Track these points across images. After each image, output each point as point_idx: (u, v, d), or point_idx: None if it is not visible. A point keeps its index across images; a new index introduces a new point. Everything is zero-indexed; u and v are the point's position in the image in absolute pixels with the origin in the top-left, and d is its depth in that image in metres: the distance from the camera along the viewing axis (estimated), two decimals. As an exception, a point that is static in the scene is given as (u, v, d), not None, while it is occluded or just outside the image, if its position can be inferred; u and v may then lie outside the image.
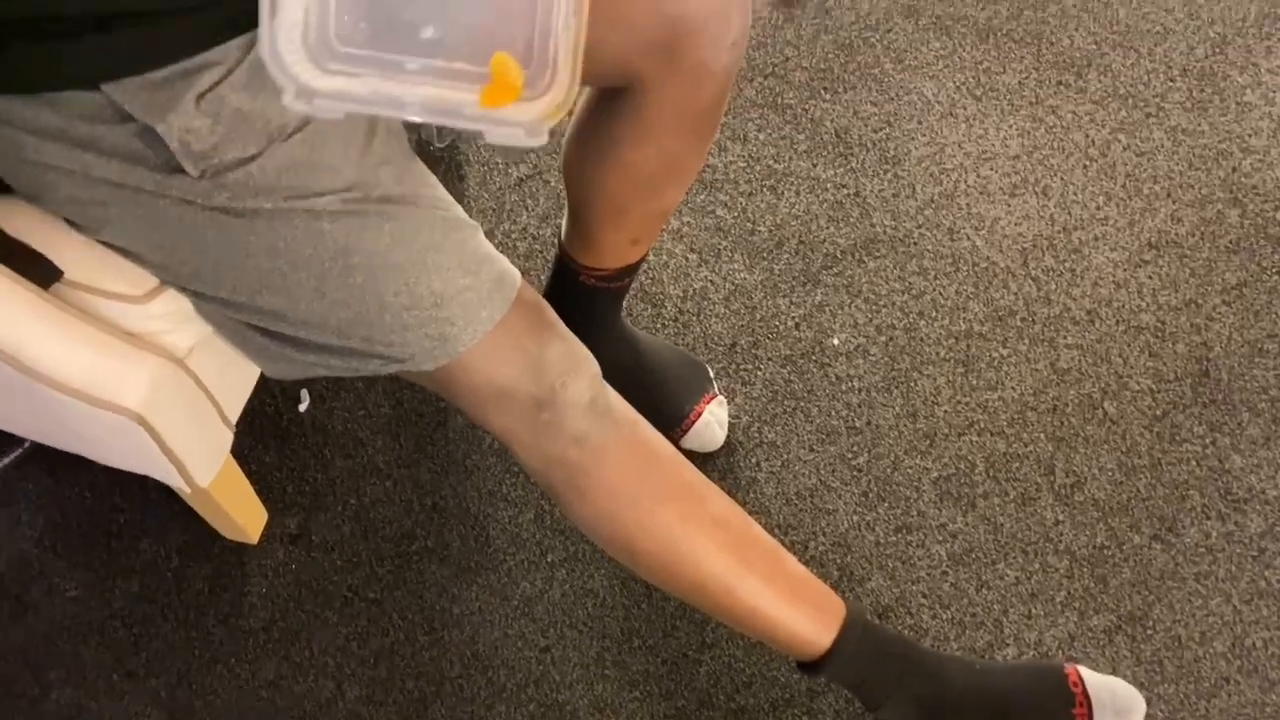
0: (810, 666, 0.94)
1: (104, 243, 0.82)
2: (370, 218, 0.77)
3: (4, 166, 0.81)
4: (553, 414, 0.83)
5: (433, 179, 0.84)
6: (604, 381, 0.87)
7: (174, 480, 0.97)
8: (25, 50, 0.72)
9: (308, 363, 0.83)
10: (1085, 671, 1.00)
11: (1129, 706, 0.99)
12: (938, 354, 1.30)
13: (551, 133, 0.65)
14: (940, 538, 1.18)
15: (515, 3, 0.65)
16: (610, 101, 0.94)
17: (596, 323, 1.13)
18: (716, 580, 0.90)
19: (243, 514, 1.13)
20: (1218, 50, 1.55)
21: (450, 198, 0.84)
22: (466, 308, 0.79)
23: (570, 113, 0.90)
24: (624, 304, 1.18)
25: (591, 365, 0.87)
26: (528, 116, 0.64)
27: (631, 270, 1.10)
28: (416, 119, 0.67)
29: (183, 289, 0.83)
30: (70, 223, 0.82)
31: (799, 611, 0.92)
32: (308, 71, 0.64)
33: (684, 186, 1.02)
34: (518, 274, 0.84)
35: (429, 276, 0.78)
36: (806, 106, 1.48)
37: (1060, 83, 1.51)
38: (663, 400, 1.18)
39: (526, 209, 1.39)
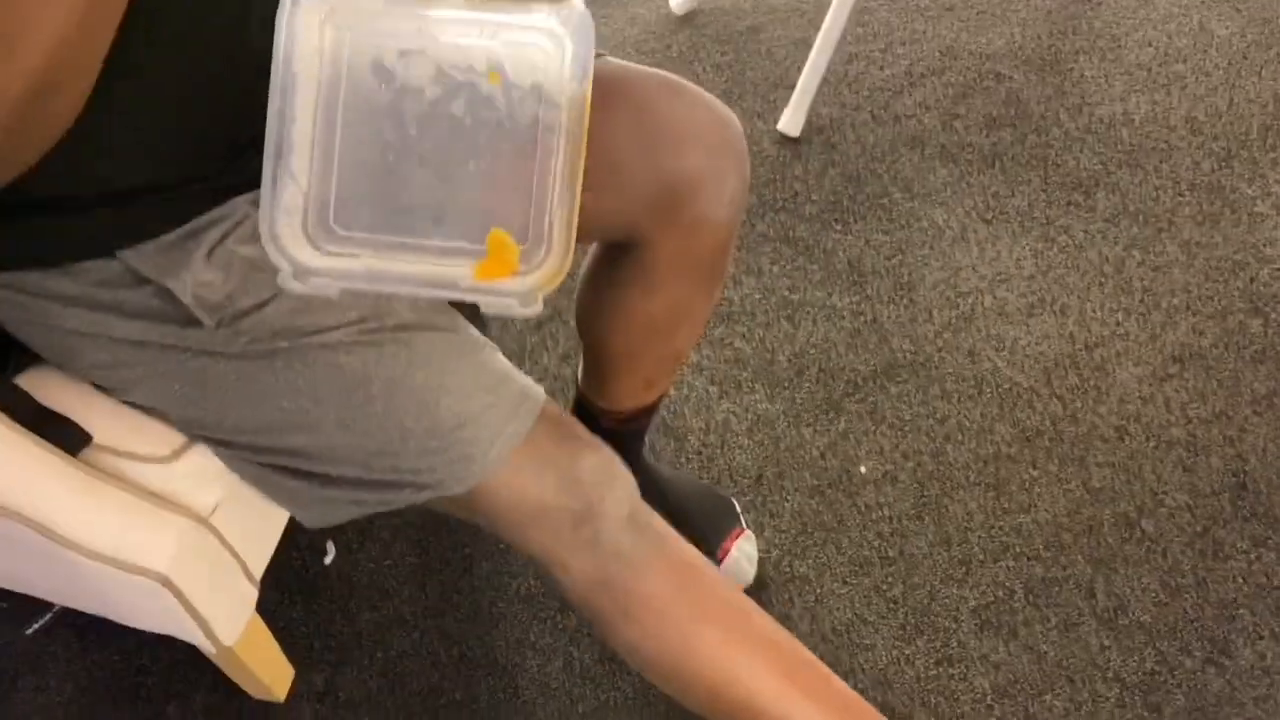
0: None
1: (130, 404, 0.84)
2: (386, 346, 0.78)
3: (33, 335, 0.83)
4: (592, 529, 0.81)
5: (445, 304, 0.85)
6: (640, 496, 0.86)
7: (199, 640, 0.96)
8: (43, 225, 0.75)
9: (340, 502, 0.82)
10: None
11: None
12: (967, 478, 1.28)
13: (546, 300, 0.67)
14: (983, 669, 1.14)
15: (511, 181, 0.67)
16: (616, 254, 0.95)
17: (619, 462, 1.13)
18: (769, 704, 0.86)
19: (269, 672, 1.11)
20: (1224, 164, 1.57)
21: (465, 320, 0.84)
22: (490, 426, 0.78)
23: (571, 274, 0.92)
24: (646, 440, 1.18)
25: (628, 477, 0.84)
26: (522, 288, 0.66)
27: (649, 410, 1.10)
28: (412, 295, 0.68)
29: (211, 440, 0.84)
30: (98, 387, 0.84)
31: None
32: (305, 253, 0.66)
33: (696, 330, 1.03)
34: (540, 390, 0.83)
35: (449, 398, 0.78)
36: (818, 238, 1.51)
37: (1070, 203, 1.53)
38: (689, 538, 1.16)
39: (547, 350, 1.41)
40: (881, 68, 1.71)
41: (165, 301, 0.77)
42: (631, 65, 0.90)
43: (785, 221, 1.53)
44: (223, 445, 0.84)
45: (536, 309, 0.65)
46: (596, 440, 0.85)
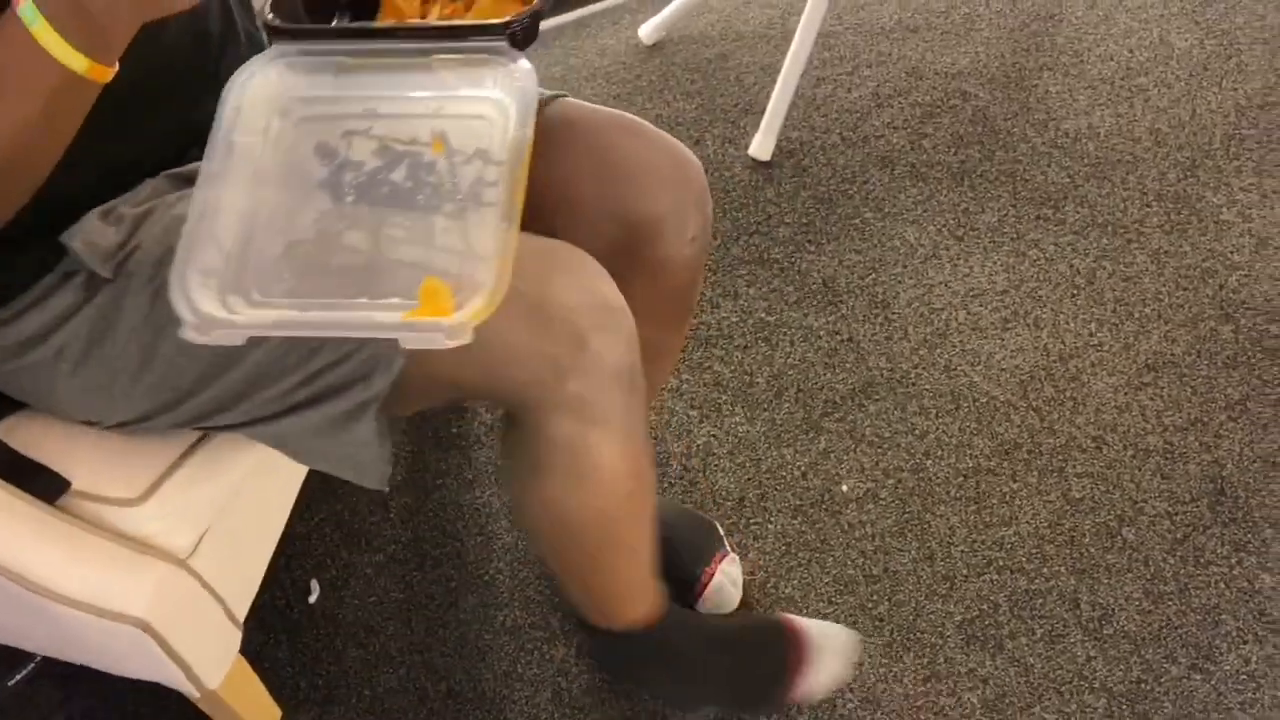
0: (624, 635, 0.97)
1: (122, 426, 0.83)
2: None
3: (10, 385, 0.83)
4: (581, 388, 0.74)
5: None
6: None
7: (182, 685, 0.96)
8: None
9: (349, 418, 0.77)
10: (801, 619, 1.05)
11: (842, 643, 1.05)
12: (948, 493, 1.28)
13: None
14: (970, 684, 1.15)
15: (449, 234, 0.66)
16: None
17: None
18: (637, 557, 0.93)
19: (255, 714, 1.10)
20: (1189, 174, 1.60)
21: None
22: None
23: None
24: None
25: (630, 321, 0.77)
26: (451, 322, 0.61)
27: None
28: (330, 337, 0.65)
29: (204, 417, 0.82)
30: (88, 424, 0.84)
31: (651, 586, 0.96)
32: (214, 307, 0.64)
33: (670, 363, 1.03)
34: None
35: None
36: (793, 259, 1.52)
37: (1039, 217, 1.55)
38: (673, 565, 1.16)
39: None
40: (849, 90, 1.73)
41: (87, 288, 0.78)
42: (592, 107, 0.91)
43: (760, 244, 1.54)
44: (213, 417, 0.82)
45: (465, 339, 0.61)
46: (593, 270, 0.76)
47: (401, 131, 0.67)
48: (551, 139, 0.86)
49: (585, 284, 0.76)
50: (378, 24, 0.76)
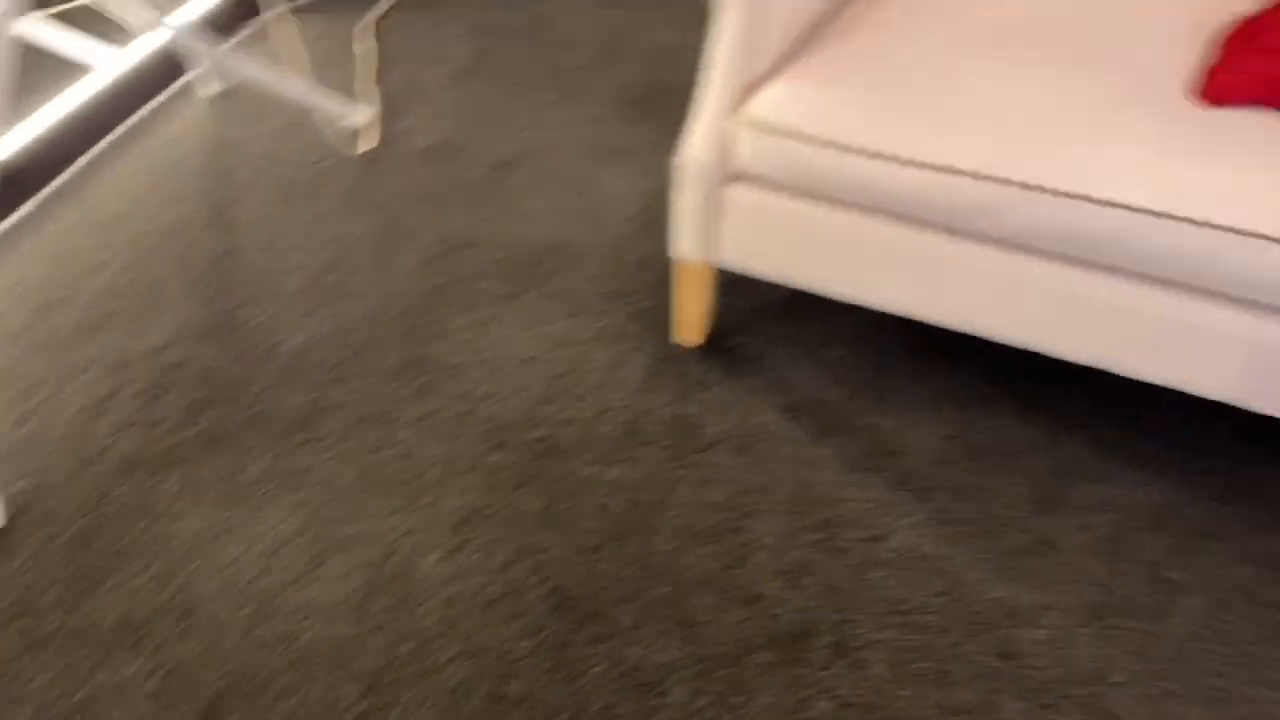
0: None
1: None
2: None
3: None
4: None
5: None
6: None
7: None
8: None
9: None
10: None
11: None
12: (340, 761, 1.20)
13: None
14: None
15: None
16: None
17: None
18: None
19: None
20: (412, 337, 1.70)
21: None
22: None
23: None
24: None
25: None
26: None
27: None
28: None
29: None
30: None
31: None
32: None
33: None
34: None
35: None
36: (70, 620, 1.33)
37: (304, 442, 1.54)
38: None
39: None
40: (59, 413, 1.58)
41: None
42: None
43: (28, 626, 1.33)
44: None
45: None
46: None
47: None
48: None
49: None
50: None
